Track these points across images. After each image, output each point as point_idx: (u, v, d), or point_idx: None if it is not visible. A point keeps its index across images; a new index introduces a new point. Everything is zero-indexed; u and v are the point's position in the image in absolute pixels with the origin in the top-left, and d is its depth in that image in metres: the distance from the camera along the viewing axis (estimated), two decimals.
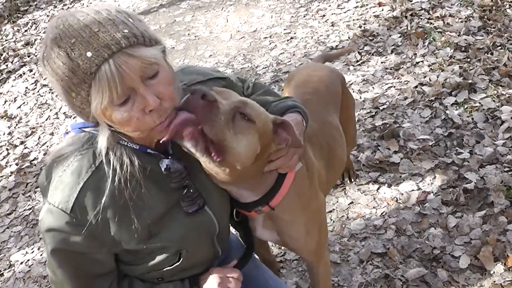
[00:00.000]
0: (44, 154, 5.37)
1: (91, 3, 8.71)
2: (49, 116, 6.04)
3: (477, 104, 4.35)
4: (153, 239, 1.97)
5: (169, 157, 1.95)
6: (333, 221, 3.72)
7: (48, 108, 6.19)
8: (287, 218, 2.34)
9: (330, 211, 3.80)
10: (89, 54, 1.59)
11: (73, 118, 5.80)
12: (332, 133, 2.84)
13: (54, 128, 5.77)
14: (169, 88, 1.76)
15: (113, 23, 1.63)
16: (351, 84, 5.05)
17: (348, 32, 6.04)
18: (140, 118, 1.71)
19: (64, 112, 5.98)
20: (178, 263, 2.08)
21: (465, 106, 4.37)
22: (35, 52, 7.43)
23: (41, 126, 5.91)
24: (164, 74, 1.74)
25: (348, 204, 3.86)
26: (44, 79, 6.76)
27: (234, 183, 2.11)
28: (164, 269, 2.08)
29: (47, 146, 5.49)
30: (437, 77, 4.78)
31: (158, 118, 1.75)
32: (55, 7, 8.68)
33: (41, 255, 4.19)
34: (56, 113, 6.03)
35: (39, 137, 5.73)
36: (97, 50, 1.59)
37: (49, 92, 6.48)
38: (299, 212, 2.35)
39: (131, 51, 1.62)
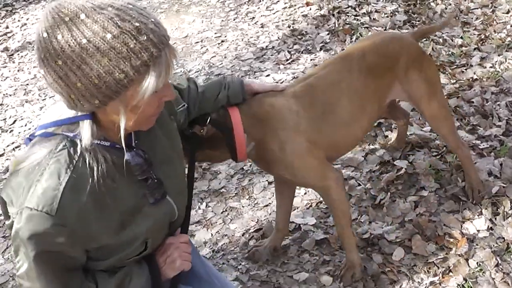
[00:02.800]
0: None
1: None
2: None
3: None
4: (125, 232, 2.02)
5: (133, 149, 2.01)
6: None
7: None
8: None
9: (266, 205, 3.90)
10: (155, 39, 1.73)
11: (10, 132, 5.78)
12: (338, 95, 3.02)
13: None
14: None
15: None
16: (282, 82, 5.13)
17: (277, 33, 6.13)
18: (155, 106, 1.89)
19: (0, 127, 5.94)
20: (145, 252, 2.14)
21: None
22: None
23: None
24: None
25: None
26: None
27: None
28: (131, 259, 2.13)
29: None
30: None
31: (161, 108, 1.95)
32: None
33: None
34: None
35: None
36: (160, 37, 1.75)
37: None
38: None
39: None
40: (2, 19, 8.68)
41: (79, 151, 1.86)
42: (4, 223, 2.04)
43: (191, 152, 2.68)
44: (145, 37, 1.71)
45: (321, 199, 3.73)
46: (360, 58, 3.09)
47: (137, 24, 1.70)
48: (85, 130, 1.85)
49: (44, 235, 1.83)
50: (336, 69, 3.05)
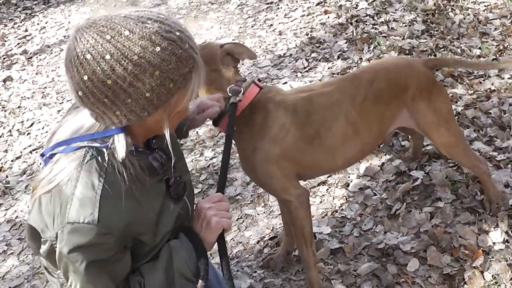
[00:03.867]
0: None
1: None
2: (2, 133, 6.02)
3: None
4: (159, 232, 2.04)
5: (155, 151, 2.05)
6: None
7: (1, 125, 6.17)
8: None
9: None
10: (193, 45, 1.82)
11: (27, 135, 5.82)
12: (334, 118, 2.97)
13: (8, 145, 5.76)
14: None
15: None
16: None
17: (295, 40, 6.15)
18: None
19: (18, 129, 5.98)
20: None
21: None
22: None
23: None
24: None
25: None
26: None
27: None
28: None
29: (2, 163, 5.47)
30: None
31: None
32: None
33: None
34: (10, 130, 6.02)
35: None
36: (195, 42, 1.84)
37: (1, 110, 6.47)
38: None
39: None
40: (21, 22, 8.77)
41: (107, 159, 1.86)
42: (34, 247, 2.06)
43: (229, 122, 2.70)
44: (187, 45, 1.77)
45: (336, 208, 3.74)
46: (368, 83, 3.05)
47: (178, 33, 1.75)
48: (121, 143, 1.86)
49: (90, 246, 1.84)
50: (341, 89, 3.02)
